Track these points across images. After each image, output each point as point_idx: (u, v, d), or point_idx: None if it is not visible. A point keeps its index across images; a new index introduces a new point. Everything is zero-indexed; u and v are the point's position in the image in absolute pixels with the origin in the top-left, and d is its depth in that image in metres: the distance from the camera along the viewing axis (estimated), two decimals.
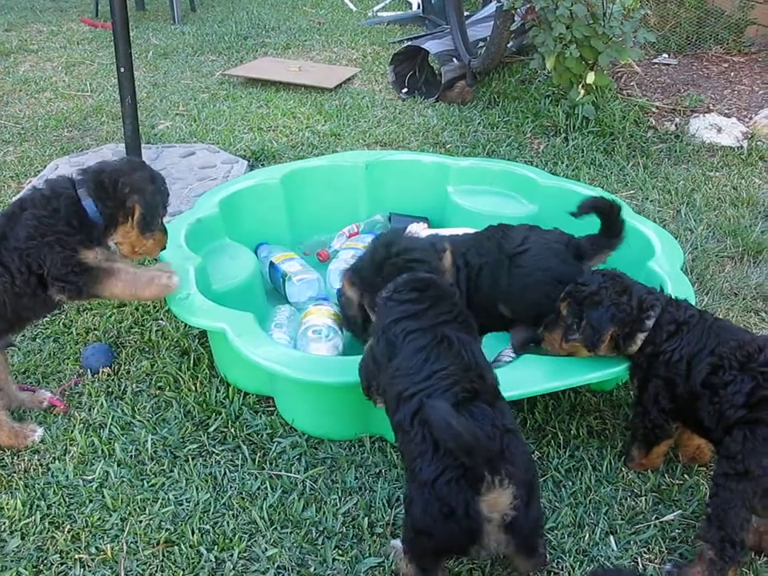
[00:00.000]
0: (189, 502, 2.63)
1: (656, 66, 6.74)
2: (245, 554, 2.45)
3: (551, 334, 2.76)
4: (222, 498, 2.65)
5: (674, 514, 2.59)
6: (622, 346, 2.63)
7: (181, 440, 2.88)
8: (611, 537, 2.51)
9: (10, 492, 2.67)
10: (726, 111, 5.81)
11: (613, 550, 2.46)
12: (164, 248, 3.05)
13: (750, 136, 5.37)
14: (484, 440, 1.97)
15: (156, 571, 2.40)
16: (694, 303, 3.02)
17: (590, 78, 5.18)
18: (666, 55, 6.93)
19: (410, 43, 6.63)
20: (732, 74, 6.58)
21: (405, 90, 6.43)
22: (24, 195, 2.87)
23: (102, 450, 2.83)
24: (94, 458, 2.81)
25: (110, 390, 3.14)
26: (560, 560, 2.42)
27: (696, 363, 2.47)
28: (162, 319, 3.50)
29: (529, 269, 2.99)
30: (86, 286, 2.77)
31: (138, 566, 2.42)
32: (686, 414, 2.53)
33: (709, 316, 2.60)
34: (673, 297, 2.72)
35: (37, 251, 2.70)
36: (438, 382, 2.20)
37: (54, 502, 2.63)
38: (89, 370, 3.20)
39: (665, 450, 2.71)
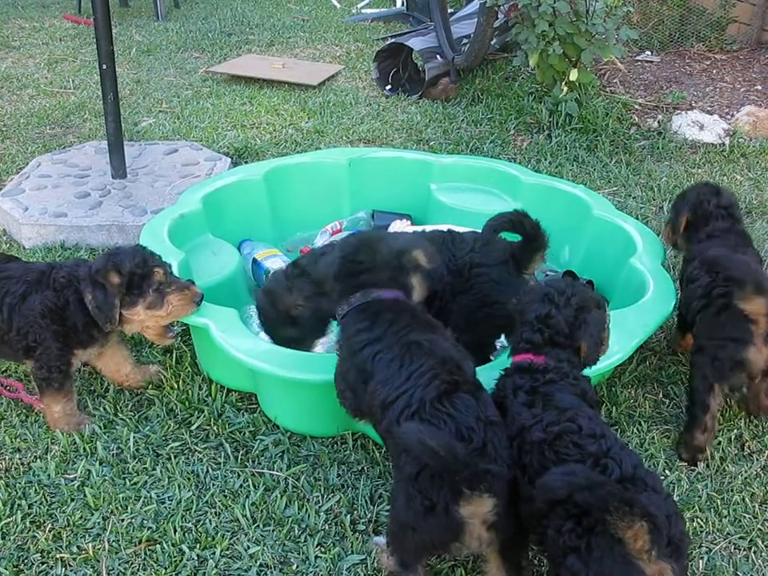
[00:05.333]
0: (171, 500, 2.63)
1: (639, 63, 6.77)
2: (227, 552, 2.45)
3: (665, 227, 3.42)
4: (205, 496, 2.64)
5: None
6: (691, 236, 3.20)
7: (163, 438, 2.87)
8: None
9: None
10: (708, 108, 5.83)
11: None
12: (194, 299, 2.91)
13: (731, 133, 5.40)
14: (461, 452, 1.96)
15: (138, 570, 2.40)
16: (675, 300, 3.06)
17: (573, 75, 5.20)
18: (649, 52, 6.96)
19: (393, 40, 6.62)
20: (714, 71, 6.62)
21: (388, 86, 6.42)
22: (59, 264, 2.94)
23: (84, 448, 2.82)
24: (75, 457, 2.80)
25: (92, 388, 3.13)
26: (542, 556, 2.43)
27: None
28: None
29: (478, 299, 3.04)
30: (56, 382, 2.85)
31: (119, 564, 2.41)
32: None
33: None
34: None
35: (40, 331, 2.80)
36: (417, 380, 2.20)
37: (36, 501, 2.62)
38: None
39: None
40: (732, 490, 2.69)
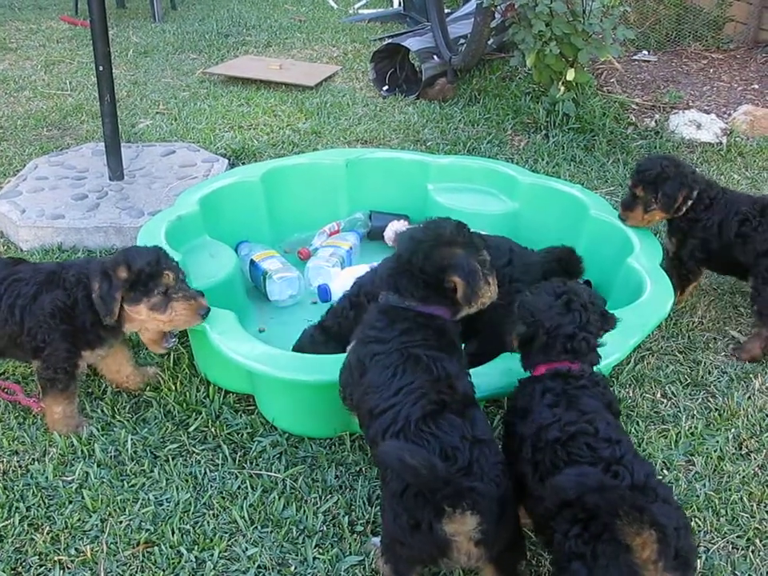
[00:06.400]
0: (169, 502, 2.63)
1: (636, 62, 6.78)
2: (225, 554, 2.45)
3: (633, 212, 3.51)
4: (203, 498, 2.64)
5: None
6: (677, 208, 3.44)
7: (161, 440, 2.87)
8: None
9: None
10: (706, 107, 5.84)
11: None
12: (199, 311, 2.87)
13: (728, 132, 5.40)
14: (442, 470, 1.95)
15: (136, 572, 2.39)
16: (673, 300, 3.06)
17: (570, 74, 5.19)
18: (646, 52, 6.97)
19: (390, 41, 6.63)
20: (711, 70, 6.62)
21: (386, 87, 6.43)
22: (69, 263, 2.95)
23: (82, 450, 2.82)
24: (73, 459, 2.79)
25: (89, 390, 3.13)
26: (540, 557, 2.43)
27: (725, 224, 3.36)
28: None
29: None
30: (60, 383, 2.85)
31: (117, 566, 2.41)
32: (719, 260, 3.47)
33: (721, 191, 3.48)
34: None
35: (49, 331, 2.80)
36: (405, 396, 2.19)
37: (33, 504, 2.61)
38: None
39: (692, 290, 3.67)
40: (730, 490, 2.69)
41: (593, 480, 1.91)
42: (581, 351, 2.38)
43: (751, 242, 3.32)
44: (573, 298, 2.41)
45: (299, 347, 3.14)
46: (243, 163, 4.92)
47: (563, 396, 2.26)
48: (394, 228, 4.04)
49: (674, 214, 3.47)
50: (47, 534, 2.50)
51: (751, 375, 3.23)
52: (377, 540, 2.39)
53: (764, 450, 2.86)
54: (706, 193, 3.45)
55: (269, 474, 2.73)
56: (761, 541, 2.51)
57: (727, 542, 2.50)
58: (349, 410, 2.49)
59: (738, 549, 2.49)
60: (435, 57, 6.25)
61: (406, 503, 2.03)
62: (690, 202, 3.44)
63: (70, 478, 2.71)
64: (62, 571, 2.39)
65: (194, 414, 2.98)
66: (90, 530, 2.53)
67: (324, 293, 3.63)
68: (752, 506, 2.63)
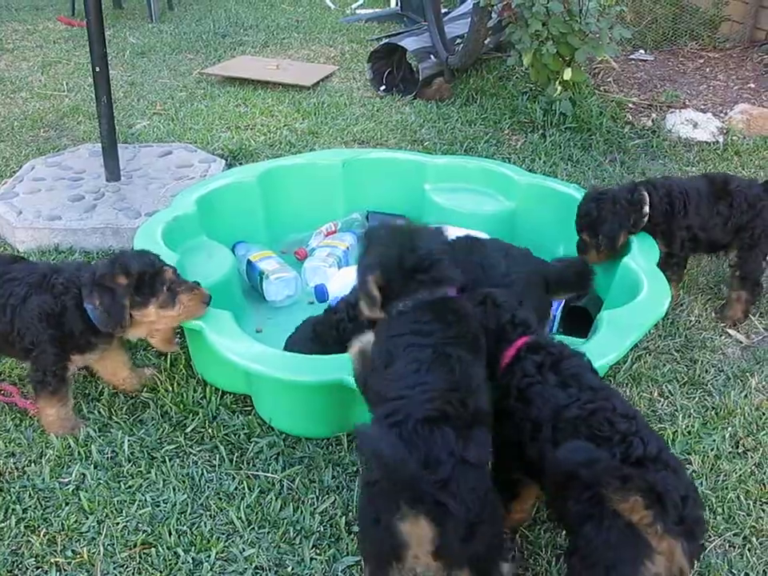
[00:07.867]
0: (166, 503, 2.62)
1: (632, 62, 6.78)
2: (222, 555, 2.45)
3: (588, 255, 3.48)
4: (200, 499, 2.64)
5: None
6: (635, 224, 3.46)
7: (158, 441, 2.87)
8: None
9: None
10: (702, 107, 5.84)
11: None
12: (203, 300, 2.90)
13: (725, 131, 5.41)
14: (411, 468, 1.90)
15: (133, 573, 2.39)
16: (669, 298, 3.06)
17: (567, 74, 5.19)
18: (643, 51, 6.97)
19: (387, 40, 6.63)
20: (707, 69, 6.63)
21: (383, 87, 6.43)
22: (60, 268, 2.92)
23: (79, 452, 2.81)
24: (70, 461, 2.79)
25: (86, 391, 3.13)
26: (537, 556, 2.43)
27: (702, 206, 3.49)
28: None
29: None
30: (50, 385, 2.84)
31: (114, 568, 2.40)
32: (703, 239, 3.55)
33: (662, 183, 3.58)
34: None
35: (37, 334, 2.79)
36: (417, 394, 2.12)
37: (30, 506, 2.61)
38: None
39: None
40: (726, 488, 2.69)
41: (581, 456, 1.94)
42: (530, 324, 2.47)
43: (728, 220, 3.51)
44: (492, 296, 2.51)
45: (292, 343, 3.15)
46: (240, 163, 4.91)
47: (564, 374, 2.29)
48: None
49: (635, 231, 3.46)
50: (44, 535, 2.50)
51: (748, 374, 3.23)
52: None
53: (761, 449, 2.86)
54: (656, 192, 3.49)
55: (266, 474, 2.73)
56: (757, 539, 2.51)
57: (724, 541, 2.50)
58: (364, 396, 2.43)
59: (734, 547, 2.49)
60: (432, 57, 6.25)
61: (374, 494, 2.00)
62: (646, 209, 3.44)
63: (66, 480, 2.71)
64: (58, 573, 2.39)
65: (191, 414, 2.98)
66: (86, 532, 2.52)
67: (321, 293, 3.63)
68: (749, 504, 2.63)
